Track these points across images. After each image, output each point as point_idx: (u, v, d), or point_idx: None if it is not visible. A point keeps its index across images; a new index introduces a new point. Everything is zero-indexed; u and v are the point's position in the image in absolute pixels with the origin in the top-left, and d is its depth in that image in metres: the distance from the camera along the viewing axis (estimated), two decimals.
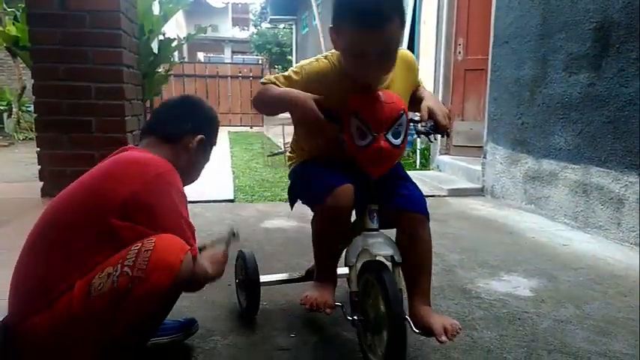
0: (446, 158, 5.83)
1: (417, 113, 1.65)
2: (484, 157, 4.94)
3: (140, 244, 1.29)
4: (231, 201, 4.54)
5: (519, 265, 2.86)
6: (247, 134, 11.37)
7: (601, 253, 3.12)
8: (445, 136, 1.69)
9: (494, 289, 2.49)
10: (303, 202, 1.86)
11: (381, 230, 1.65)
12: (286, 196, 4.68)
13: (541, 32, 4.09)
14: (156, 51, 3.61)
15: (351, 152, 1.53)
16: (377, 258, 1.61)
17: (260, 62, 18.98)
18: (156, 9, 3.89)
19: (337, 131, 1.55)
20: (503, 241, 3.40)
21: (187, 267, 1.34)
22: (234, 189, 5.03)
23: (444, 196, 4.82)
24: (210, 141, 1.71)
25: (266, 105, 1.71)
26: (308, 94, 1.52)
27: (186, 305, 2.22)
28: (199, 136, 1.64)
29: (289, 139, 8.00)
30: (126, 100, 2.99)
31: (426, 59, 6.33)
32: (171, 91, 12.41)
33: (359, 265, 1.62)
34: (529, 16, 4.24)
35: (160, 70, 3.58)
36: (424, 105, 1.62)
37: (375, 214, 1.63)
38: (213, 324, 2.05)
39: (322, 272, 1.77)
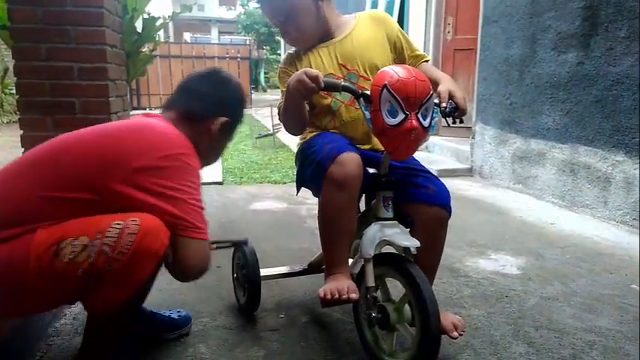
0: (435, 139, 5.82)
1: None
2: (473, 138, 4.94)
3: (122, 223, 1.22)
4: (220, 183, 4.51)
5: (507, 244, 2.88)
6: None
7: (588, 231, 3.15)
8: (460, 121, 1.59)
9: (482, 267, 2.51)
10: (306, 187, 1.75)
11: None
12: (274, 178, 4.73)
13: (530, 11, 4.07)
14: (140, 30, 3.53)
15: (377, 131, 1.39)
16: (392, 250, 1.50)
17: (248, 43, 18.73)
18: None
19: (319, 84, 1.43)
20: (492, 220, 3.41)
21: (169, 251, 1.29)
22: (223, 171, 5.00)
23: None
24: (234, 123, 1.58)
25: (289, 120, 1.68)
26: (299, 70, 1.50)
27: (176, 288, 2.22)
28: (223, 119, 1.51)
29: (277, 121, 7.90)
30: (109, 80, 2.92)
31: (415, 38, 6.28)
32: (157, 71, 12.23)
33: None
34: None
35: (144, 50, 3.50)
36: (444, 87, 1.56)
37: (389, 202, 1.50)
38: (202, 306, 2.04)
39: (334, 262, 1.58)
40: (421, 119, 1.35)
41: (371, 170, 1.58)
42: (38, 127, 2.89)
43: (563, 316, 1.99)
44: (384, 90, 1.34)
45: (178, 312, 1.87)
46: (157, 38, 3.84)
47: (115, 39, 3.06)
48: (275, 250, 2.71)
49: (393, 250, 1.58)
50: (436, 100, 1.51)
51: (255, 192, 4.19)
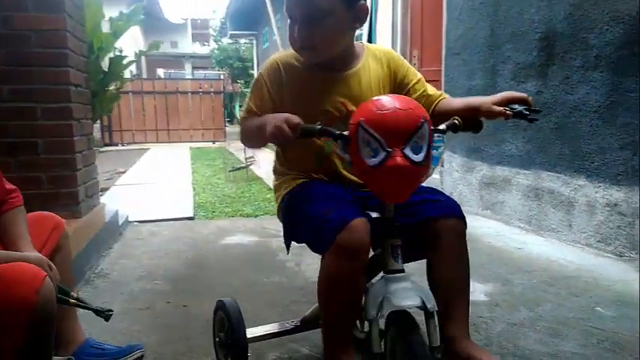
0: None
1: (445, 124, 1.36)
2: (442, 166, 5.02)
3: None
4: (191, 218, 4.47)
5: (475, 271, 2.87)
6: (209, 150, 11.26)
7: (554, 255, 3.21)
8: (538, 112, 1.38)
9: None
10: (299, 242, 1.54)
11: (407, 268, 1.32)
12: (247, 211, 4.70)
13: (490, 43, 4.22)
14: (106, 68, 3.54)
15: (360, 174, 1.24)
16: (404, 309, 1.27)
17: (222, 77, 18.88)
18: (106, 26, 3.83)
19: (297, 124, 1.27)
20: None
21: (47, 297, 1.19)
22: (194, 206, 4.97)
23: None
24: None
25: (252, 142, 1.59)
26: (283, 114, 1.31)
27: (137, 329, 2.17)
28: None
29: (251, 153, 7.91)
30: (74, 119, 2.91)
31: None
32: (129, 108, 12.20)
33: (380, 318, 1.26)
34: (478, 28, 4.37)
35: (111, 88, 3.50)
36: (488, 106, 1.39)
37: (398, 251, 1.29)
38: (165, 348, 2.00)
39: (337, 341, 1.40)
40: (410, 154, 1.15)
41: (374, 214, 1.38)
42: (3, 168, 2.85)
43: (529, 342, 2.00)
44: (359, 127, 1.18)
45: (130, 345, 1.85)
46: (124, 76, 3.86)
47: (79, 78, 3.07)
48: (245, 286, 2.68)
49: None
50: (442, 127, 1.33)
51: (226, 226, 4.16)
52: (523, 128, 3.87)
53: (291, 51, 1.56)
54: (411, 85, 1.61)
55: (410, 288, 1.25)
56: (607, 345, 1.96)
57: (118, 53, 3.97)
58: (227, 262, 3.17)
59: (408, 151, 1.15)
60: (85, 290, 2.68)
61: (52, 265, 1.36)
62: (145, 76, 19.95)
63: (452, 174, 4.85)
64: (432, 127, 1.22)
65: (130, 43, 14.10)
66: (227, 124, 17.08)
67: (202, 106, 12.97)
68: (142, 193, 5.72)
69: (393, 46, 6.20)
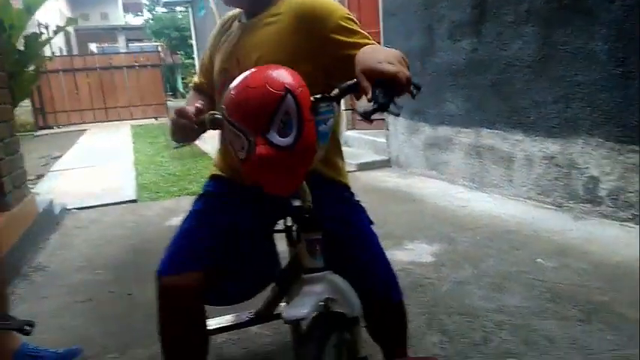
0: (353, 133, 5.89)
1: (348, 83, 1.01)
2: (387, 129, 5.04)
3: None
4: (134, 201, 4.30)
5: (422, 232, 2.95)
6: (151, 127, 10.86)
7: (496, 210, 3.30)
8: (415, 93, 0.94)
9: (398, 258, 2.54)
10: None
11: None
12: (193, 189, 4.57)
13: (425, 2, 4.19)
14: (22, 48, 3.27)
15: (241, 168, 1.05)
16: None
17: (159, 49, 18.11)
18: (18, 2, 3.53)
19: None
20: (408, 209, 3.49)
21: None
22: (137, 188, 4.78)
23: (354, 171, 4.86)
24: None
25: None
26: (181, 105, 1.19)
27: (78, 324, 2.07)
28: None
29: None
30: None
31: None
32: (61, 88, 11.55)
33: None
34: None
35: (29, 70, 3.24)
36: (358, 69, 0.96)
37: (316, 246, 1.11)
38: (109, 339, 1.92)
39: None
40: (275, 138, 0.96)
41: (296, 202, 1.15)
42: None
43: (473, 299, 2.06)
44: (224, 116, 1.03)
45: (68, 349, 1.74)
46: (43, 54, 3.58)
47: None
48: None
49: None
50: (318, 95, 1.01)
51: (172, 207, 4.03)
52: (461, 87, 3.90)
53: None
54: (342, 52, 1.17)
55: (319, 292, 1.07)
56: (548, 296, 2.04)
57: (38, 30, 3.67)
58: None
59: (272, 136, 0.96)
60: (22, 286, 2.54)
61: None
62: (76, 52, 18.86)
63: (397, 137, 4.87)
64: (314, 98, 1.00)
65: (55, 17, 13.24)
66: (170, 99, 16.52)
67: (140, 81, 12.40)
68: (81, 178, 5.46)
69: None
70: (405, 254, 2.61)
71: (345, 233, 1.24)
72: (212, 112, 1.13)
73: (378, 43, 1.32)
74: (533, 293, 2.08)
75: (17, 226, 2.83)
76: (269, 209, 1.31)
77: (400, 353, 1.38)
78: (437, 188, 4.01)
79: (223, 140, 1.36)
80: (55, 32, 3.73)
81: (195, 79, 1.50)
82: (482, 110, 3.75)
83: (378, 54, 0.99)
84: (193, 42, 15.36)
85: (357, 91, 0.98)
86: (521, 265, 2.38)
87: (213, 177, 1.42)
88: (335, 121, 1.12)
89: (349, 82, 1.00)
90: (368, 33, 1.25)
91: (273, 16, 1.26)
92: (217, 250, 1.24)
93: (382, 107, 0.90)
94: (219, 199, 1.33)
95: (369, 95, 0.91)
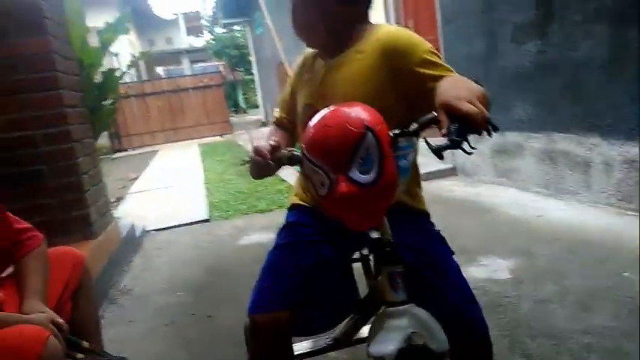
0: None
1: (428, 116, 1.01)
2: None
3: None
4: (207, 221, 4.46)
5: (497, 246, 2.86)
6: (218, 144, 11.23)
7: (575, 219, 3.14)
8: (490, 134, 0.94)
9: (473, 275, 2.48)
10: None
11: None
12: (261, 207, 4.67)
13: (485, 6, 4.09)
14: (100, 83, 3.51)
15: (321, 205, 1.08)
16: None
17: (220, 69, 18.73)
18: (94, 38, 3.78)
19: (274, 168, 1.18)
20: (479, 221, 3.40)
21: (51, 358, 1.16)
22: (209, 207, 4.95)
23: None
24: None
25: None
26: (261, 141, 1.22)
27: (164, 349, 2.17)
28: None
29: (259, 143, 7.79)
30: (74, 141, 2.89)
31: None
32: (134, 112, 12.20)
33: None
34: None
35: (106, 103, 3.47)
36: (438, 101, 0.96)
37: (397, 280, 1.09)
38: None
39: None
40: (357, 176, 0.97)
41: (375, 234, 1.13)
42: (11, 199, 2.86)
43: (558, 320, 1.97)
44: (303, 154, 1.05)
45: None
46: (119, 88, 3.83)
47: (74, 99, 3.04)
48: None
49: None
50: (396, 131, 1.02)
51: (242, 225, 4.14)
52: (530, 91, 3.76)
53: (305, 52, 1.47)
54: (428, 85, 1.14)
55: (404, 327, 1.05)
56: (638, 314, 1.91)
57: (111, 62, 3.92)
58: (246, 265, 3.14)
59: (354, 174, 0.97)
60: (110, 310, 2.69)
61: (59, 320, 1.32)
62: (144, 76, 19.90)
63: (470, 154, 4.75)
64: (393, 134, 1.01)
65: (126, 45, 14.05)
66: (232, 115, 17.04)
67: (205, 101, 12.89)
68: (157, 199, 5.73)
69: (387, 18, 6.06)
70: (481, 270, 2.54)
71: (425, 264, 1.22)
72: (290, 149, 1.18)
73: (437, 49, 1.29)
74: (622, 311, 1.96)
75: (103, 252, 3.01)
76: (350, 240, 1.32)
77: None
78: (508, 197, 3.88)
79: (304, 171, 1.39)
80: (129, 66, 3.98)
81: (276, 113, 1.51)
82: (553, 114, 3.60)
83: (459, 89, 0.98)
84: (252, 58, 15.75)
85: (435, 124, 0.98)
86: (608, 279, 2.25)
87: (294, 206, 1.45)
88: (414, 154, 1.12)
89: (428, 116, 1.01)
90: (428, 40, 1.28)
91: (359, 53, 1.27)
92: (303, 286, 1.26)
93: (455, 145, 0.91)
94: (303, 231, 1.35)
95: (444, 130, 0.92)
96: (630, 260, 2.40)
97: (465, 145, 0.92)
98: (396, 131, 1.02)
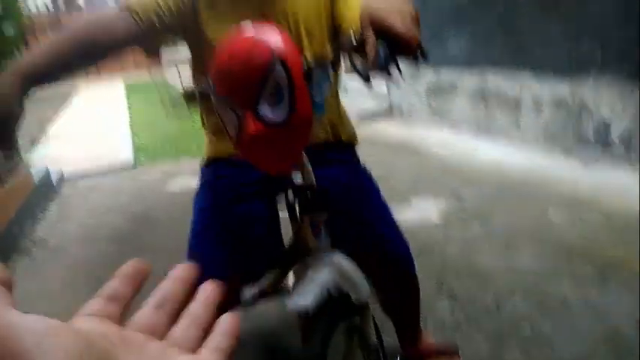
0: (350, 81, 5.70)
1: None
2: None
3: None
4: (132, 165, 4.22)
5: (428, 187, 2.87)
6: (145, 82, 10.60)
7: (504, 159, 3.19)
8: (418, 61, 0.81)
9: (404, 217, 2.47)
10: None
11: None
12: (193, 149, 4.47)
13: None
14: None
15: (233, 145, 0.93)
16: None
17: None
18: None
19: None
20: (412, 162, 3.39)
21: None
22: (135, 150, 4.69)
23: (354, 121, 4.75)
24: None
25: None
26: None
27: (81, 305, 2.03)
28: None
29: (188, 82, 7.49)
30: None
31: None
32: None
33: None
34: None
35: (9, 32, 3.05)
36: (364, 14, 0.83)
37: (320, 227, 1.05)
38: None
39: None
40: (266, 113, 0.83)
41: (297, 178, 1.05)
42: None
43: (484, 259, 2.00)
44: (212, 88, 0.90)
45: None
46: (22, 14, 3.39)
47: None
48: None
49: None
50: (330, 54, 0.96)
51: (171, 170, 3.95)
52: (465, 24, 3.70)
53: None
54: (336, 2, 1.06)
55: (324, 277, 1.00)
56: (561, 254, 1.97)
57: None
58: (175, 211, 3.00)
59: (263, 109, 0.83)
60: (22, 262, 2.50)
61: None
62: (62, 7, 18.18)
63: (398, 83, 4.70)
64: (306, 65, 0.87)
65: None
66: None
67: None
68: (77, 142, 5.36)
69: None
70: (412, 213, 2.54)
71: (351, 198, 1.16)
72: (196, 84, 1.02)
73: None
74: (545, 251, 2.01)
75: (12, 200, 2.77)
76: (273, 186, 1.18)
77: (414, 334, 1.33)
78: (441, 137, 3.90)
79: (214, 119, 1.23)
80: None
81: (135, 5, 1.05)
82: (486, 48, 3.57)
83: (389, 5, 0.83)
84: None
85: (353, 47, 0.85)
86: (532, 220, 2.31)
87: (209, 161, 1.26)
88: (332, 87, 1.01)
89: (344, 37, 0.90)
90: None
91: None
92: (235, 254, 1.15)
93: (383, 67, 0.79)
94: (222, 188, 1.21)
95: (370, 49, 0.79)
96: (554, 200, 2.47)
97: (394, 72, 0.81)
98: (310, 60, 0.90)
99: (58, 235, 2.83)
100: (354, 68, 0.84)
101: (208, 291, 0.33)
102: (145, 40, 1.07)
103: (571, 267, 1.87)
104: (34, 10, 9.21)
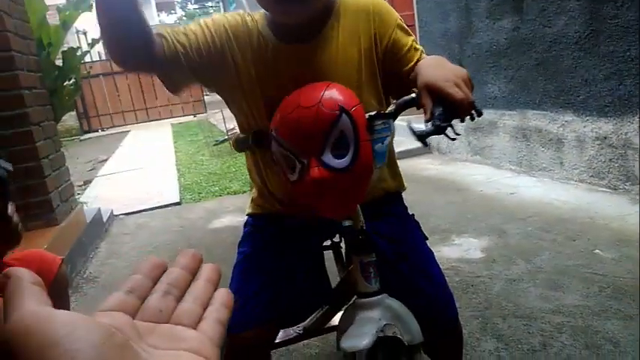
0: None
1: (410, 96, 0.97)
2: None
3: None
4: (178, 204, 4.36)
5: (470, 225, 2.84)
6: (191, 124, 11.01)
7: (547, 196, 3.14)
8: (474, 118, 0.93)
9: (446, 255, 2.46)
10: None
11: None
12: (234, 188, 4.59)
13: None
14: (60, 63, 3.35)
15: (291, 192, 1.01)
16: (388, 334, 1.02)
17: None
18: (55, 17, 3.60)
19: None
20: (453, 199, 3.38)
21: None
22: (181, 189, 4.85)
23: None
24: None
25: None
26: None
27: None
28: None
29: (232, 124, 7.66)
30: (33, 124, 2.75)
31: None
32: (103, 92, 11.86)
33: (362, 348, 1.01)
34: None
35: (68, 83, 3.31)
36: (421, 81, 0.92)
37: (370, 269, 1.05)
38: None
39: None
40: (330, 160, 0.89)
41: (347, 222, 1.09)
42: None
43: (529, 299, 1.96)
44: (272, 137, 0.97)
45: None
46: (79, 69, 3.66)
47: (32, 80, 2.89)
48: None
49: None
50: (392, 108, 0.98)
51: (214, 208, 4.06)
52: (504, 67, 3.73)
53: (247, 18, 1.11)
54: (402, 53, 1.07)
55: (376, 319, 1.01)
56: (609, 292, 1.91)
57: (76, 36, 3.74)
58: (218, 249, 3.08)
59: (327, 158, 0.90)
60: (74, 299, 2.60)
61: None
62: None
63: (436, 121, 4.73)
64: (369, 116, 0.93)
65: (91, 21, 13.54)
66: (206, 93, 16.70)
67: None
68: (127, 182, 5.59)
69: None
70: (453, 250, 2.53)
71: (398, 252, 1.16)
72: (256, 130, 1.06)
73: (412, 26, 1.16)
74: (593, 290, 1.96)
75: (67, 239, 2.91)
76: (318, 231, 1.24)
77: None
78: (482, 174, 3.87)
79: (259, 172, 1.18)
80: (91, 45, 3.81)
81: (169, 34, 1.01)
82: (527, 91, 3.57)
83: (444, 70, 0.93)
84: None
85: (414, 106, 0.95)
86: (579, 257, 2.25)
87: (251, 216, 1.28)
88: (392, 137, 1.03)
89: (406, 98, 0.97)
90: (404, 15, 1.19)
91: (334, 29, 1.07)
92: (278, 298, 1.16)
93: (439, 131, 0.88)
94: (266, 239, 1.23)
95: (428, 115, 0.88)
96: (602, 238, 2.41)
97: (449, 131, 0.90)
98: (373, 113, 0.95)
99: (108, 272, 2.94)
100: (412, 131, 0.90)
101: (209, 272, 0.39)
102: (165, 70, 1.02)
103: (619, 305, 1.81)
104: (87, 58, 9.82)
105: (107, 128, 11.92)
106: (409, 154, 4.83)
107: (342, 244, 1.33)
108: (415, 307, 1.09)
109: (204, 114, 12.41)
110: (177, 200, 4.43)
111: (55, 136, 3.11)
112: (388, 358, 1.05)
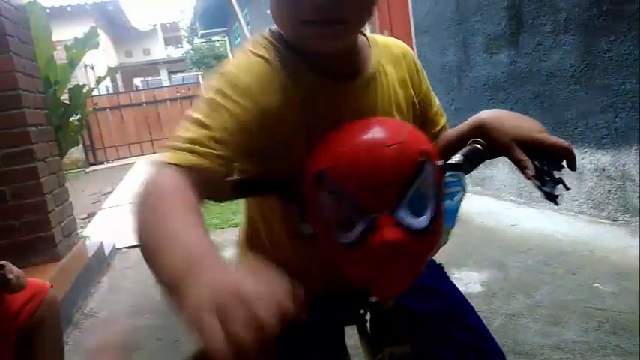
0: None
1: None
2: None
3: None
4: None
5: (470, 257, 2.84)
6: None
7: (548, 228, 3.14)
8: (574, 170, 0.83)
9: None
10: None
11: None
12: (236, 220, 4.61)
13: (457, 17, 4.11)
14: (67, 100, 3.43)
15: (330, 256, 0.74)
16: None
17: (200, 78, 18.64)
18: (62, 54, 3.70)
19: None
20: (454, 231, 3.37)
21: None
22: None
23: None
24: None
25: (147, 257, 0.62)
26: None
27: None
28: None
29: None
30: (38, 160, 2.80)
31: None
32: (109, 124, 12.04)
33: None
34: (443, 3, 4.25)
35: (74, 119, 3.39)
36: (505, 137, 0.82)
37: None
38: None
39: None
40: (407, 218, 0.67)
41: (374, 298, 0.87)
42: None
43: (528, 335, 1.95)
44: (320, 180, 0.70)
45: None
46: (85, 105, 3.74)
47: (38, 117, 2.96)
48: None
49: None
50: (457, 158, 0.82)
51: (217, 240, 4.05)
52: (501, 101, 3.78)
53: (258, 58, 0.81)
54: (431, 113, 0.99)
55: None
56: (608, 327, 1.90)
57: (85, 71, 3.83)
58: None
59: (403, 214, 0.67)
60: (73, 335, 2.60)
61: None
62: (121, 87, 19.68)
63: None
64: (444, 163, 0.76)
65: (99, 56, 13.86)
66: None
67: (183, 112, 12.71)
68: (130, 215, 5.61)
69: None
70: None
71: (436, 309, 0.96)
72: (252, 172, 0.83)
73: None
74: (592, 325, 1.94)
75: (69, 274, 2.92)
76: (341, 302, 0.95)
77: None
78: (483, 206, 3.88)
79: (270, 234, 0.93)
80: (97, 82, 3.92)
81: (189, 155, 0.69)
82: None
83: (527, 121, 0.85)
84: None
85: (485, 159, 0.85)
86: (578, 291, 2.24)
87: None
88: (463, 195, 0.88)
89: (472, 149, 0.84)
90: None
91: (381, 69, 0.89)
92: None
93: (558, 182, 0.80)
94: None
95: (530, 171, 0.77)
96: (601, 271, 2.40)
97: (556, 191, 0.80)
98: (440, 162, 0.74)
99: (108, 308, 2.94)
100: (541, 190, 0.79)
101: None
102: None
103: (618, 341, 1.79)
104: (95, 92, 10.05)
105: (113, 160, 12.05)
106: None
107: (368, 318, 0.98)
108: None
109: None
110: None
111: (59, 171, 3.16)
112: None
